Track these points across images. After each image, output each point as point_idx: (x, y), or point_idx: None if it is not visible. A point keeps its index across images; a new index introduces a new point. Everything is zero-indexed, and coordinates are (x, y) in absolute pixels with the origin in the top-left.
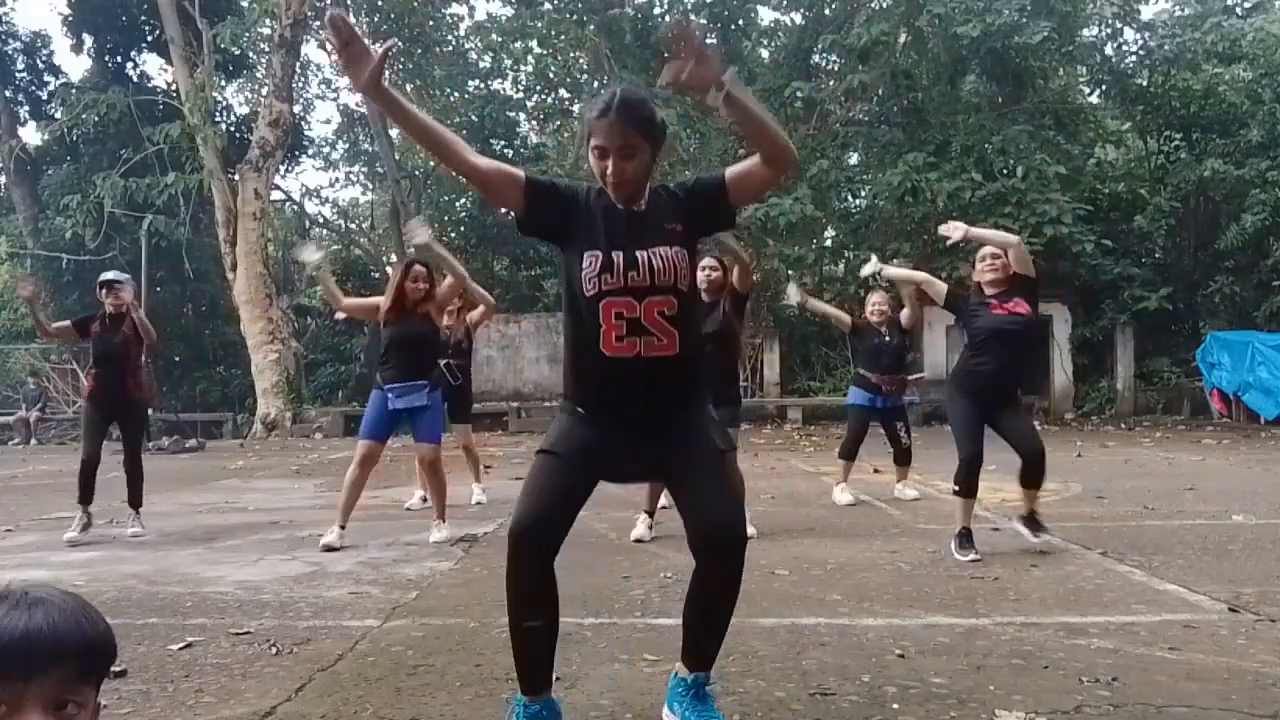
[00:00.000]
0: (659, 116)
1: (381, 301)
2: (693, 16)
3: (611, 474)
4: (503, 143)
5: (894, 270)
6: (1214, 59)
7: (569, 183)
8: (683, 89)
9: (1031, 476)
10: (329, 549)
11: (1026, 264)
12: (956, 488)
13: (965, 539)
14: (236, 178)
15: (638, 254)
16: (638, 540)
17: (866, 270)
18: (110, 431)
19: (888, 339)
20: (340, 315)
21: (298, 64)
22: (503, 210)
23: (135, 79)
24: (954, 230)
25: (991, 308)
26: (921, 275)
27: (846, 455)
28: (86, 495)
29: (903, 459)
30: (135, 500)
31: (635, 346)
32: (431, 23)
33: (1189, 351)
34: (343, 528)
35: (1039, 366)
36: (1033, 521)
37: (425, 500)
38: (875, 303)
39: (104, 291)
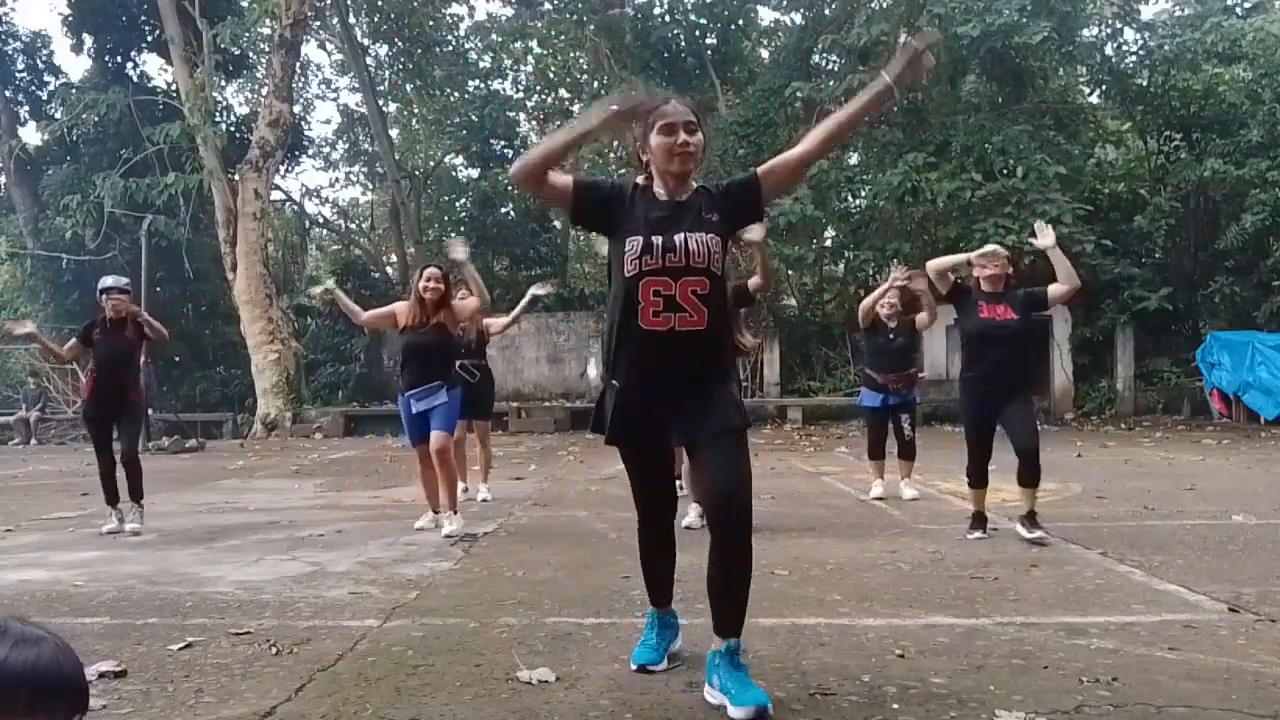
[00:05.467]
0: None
1: (400, 311)
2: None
3: (659, 441)
4: (503, 143)
5: (939, 262)
6: (1214, 59)
7: (615, 181)
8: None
9: (1026, 475)
10: (420, 530)
11: (1062, 297)
12: (968, 479)
13: (975, 521)
14: (236, 178)
15: (675, 238)
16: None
17: (1044, 241)
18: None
19: (894, 338)
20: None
21: (298, 64)
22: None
23: (135, 79)
24: (1046, 236)
25: (980, 310)
26: (954, 260)
27: (873, 456)
28: (112, 496)
29: (906, 453)
30: (136, 494)
31: (669, 321)
32: (431, 23)
33: (1189, 351)
34: (437, 512)
35: (1039, 366)
36: (1030, 519)
37: (466, 491)
38: (888, 297)
39: (104, 297)
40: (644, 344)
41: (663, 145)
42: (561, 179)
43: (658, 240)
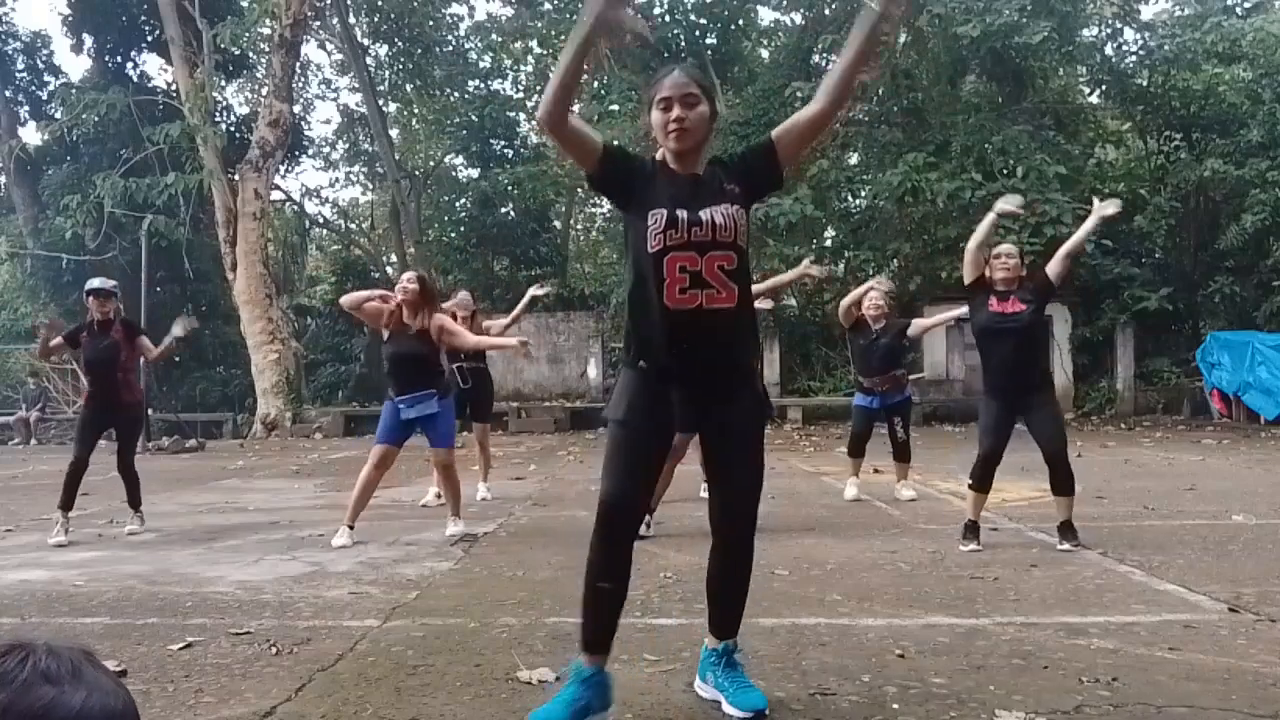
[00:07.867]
0: (713, 85)
1: (384, 310)
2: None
3: (675, 427)
4: (503, 143)
5: (973, 239)
6: (1214, 59)
7: (638, 154)
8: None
9: (1059, 483)
10: (341, 548)
11: (1061, 271)
12: (970, 481)
13: (969, 530)
14: (236, 178)
15: (700, 212)
16: (639, 538)
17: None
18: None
19: (877, 339)
20: (348, 308)
21: (298, 64)
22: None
23: (135, 79)
24: (1110, 206)
25: (990, 305)
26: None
27: (852, 453)
28: (68, 501)
29: (900, 455)
30: (134, 502)
31: (697, 299)
32: (431, 23)
33: (1189, 351)
34: (351, 527)
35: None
36: (1066, 529)
37: (440, 498)
38: (872, 298)
39: (90, 299)
40: (671, 323)
41: (658, 122)
42: (591, 133)
43: (682, 214)
